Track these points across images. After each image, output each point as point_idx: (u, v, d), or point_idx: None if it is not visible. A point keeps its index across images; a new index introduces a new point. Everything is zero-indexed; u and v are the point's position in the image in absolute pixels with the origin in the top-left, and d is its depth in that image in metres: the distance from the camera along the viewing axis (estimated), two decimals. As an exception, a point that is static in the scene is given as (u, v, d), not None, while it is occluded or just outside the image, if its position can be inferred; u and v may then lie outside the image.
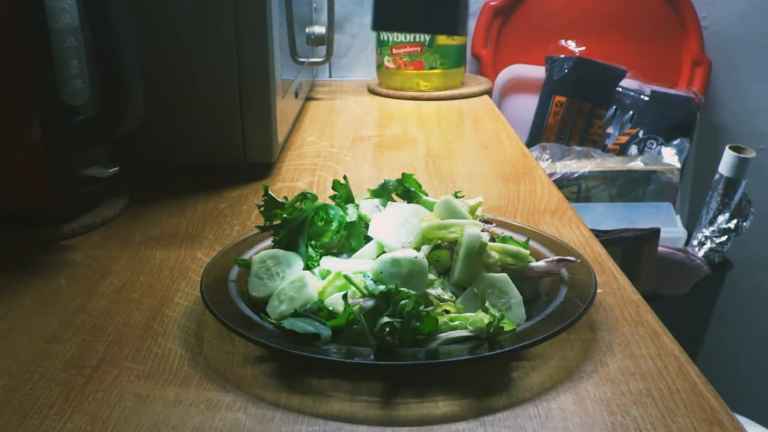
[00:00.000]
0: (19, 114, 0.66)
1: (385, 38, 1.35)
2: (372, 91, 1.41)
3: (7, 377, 0.47)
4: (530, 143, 1.56)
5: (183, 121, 0.86)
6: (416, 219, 0.56)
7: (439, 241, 0.55)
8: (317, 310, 0.49)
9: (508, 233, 0.61)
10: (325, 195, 0.63)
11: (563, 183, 1.44)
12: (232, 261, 0.57)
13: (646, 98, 1.54)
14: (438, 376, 0.46)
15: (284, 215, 0.58)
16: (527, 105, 1.60)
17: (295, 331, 0.47)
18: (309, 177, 0.89)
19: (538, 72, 1.60)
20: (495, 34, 1.63)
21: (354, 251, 0.58)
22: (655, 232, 1.30)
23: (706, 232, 1.43)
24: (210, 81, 0.84)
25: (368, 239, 0.57)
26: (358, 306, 0.48)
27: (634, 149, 1.53)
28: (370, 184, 0.68)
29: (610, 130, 1.57)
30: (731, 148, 1.40)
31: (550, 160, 1.48)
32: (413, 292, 0.48)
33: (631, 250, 1.29)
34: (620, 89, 1.56)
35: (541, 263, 0.56)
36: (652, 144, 1.53)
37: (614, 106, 1.56)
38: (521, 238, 0.60)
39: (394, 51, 1.35)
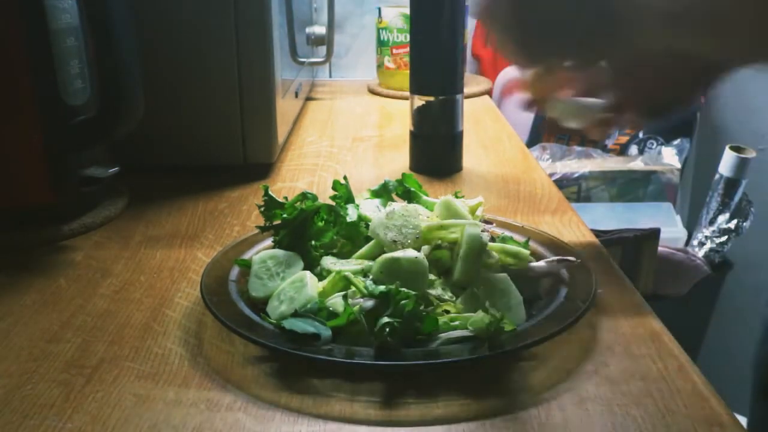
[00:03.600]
0: (19, 114, 0.66)
1: (386, 38, 1.35)
2: (372, 91, 1.41)
3: (7, 377, 0.47)
4: (530, 143, 1.57)
5: (183, 121, 0.86)
6: (417, 219, 0.56)
7: (440, 242, 0.55)
8: (317, 310, 0.49)
9: (508, 233, 0.61)
10: (325, 195, 0.63)
11: (563, 183, 1.44)
12: (233, 261, 0.57)
13: (646, 98, 1.53)
14: (438, 376, 0.46)
15: (284, 215, 0.58)
16: (527, 105, 1.60)
17: (295, 331, 0.47)
18: (309, 177, 0.89)
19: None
20: (495, 34, 1.63)
21: (354, 251, 0.58)
22: (655, 232, 1.30)
23: (706, 232, 1.43)
24: (210, 81, 0.84)
25: (368, 239, 0.57)
26: (358, 306, 0.48)
27: (634, 149, 1.53)
28: (371, 184, 0.68)
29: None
30: (731, 148, 1.41)
31: (550, 160, 1.48)
32: (413, 292, 0.48)
33: (631, 250, 1.29)
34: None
35: (541, 263, 0.56)
36: (653, 144, 1.53)
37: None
38: (521, 238, 0.60)
39: (395, 51, 1.35)
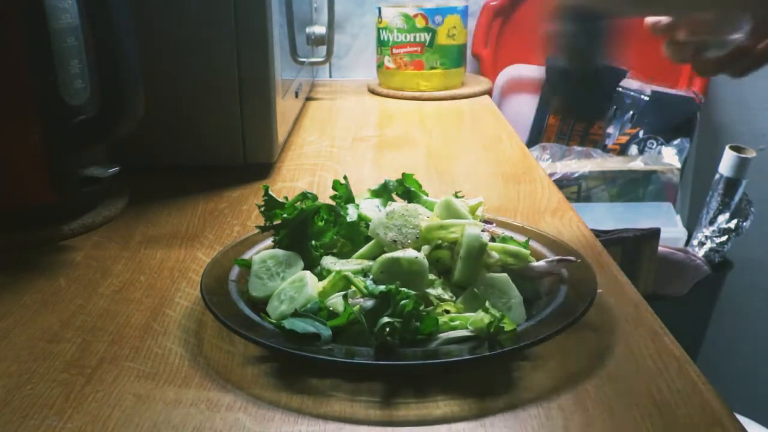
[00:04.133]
0: (19, 114, 0.66)
1: (386, 38, 1.35)
2: (372, 91, 1.41)
3: (7, 377, 0.47)
4: (530, 143, 1.56)
5: (183, 121, 0.86)
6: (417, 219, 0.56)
7: (440, 242, 0.55)
8: (317, 310, 0.49)
9: (508, 233, 0.61)
10: (325, 195, 0.63)
11: (563, 183, 1.43)
12: (233, 261, 0.57)
13: (646, 98, 1.54)
14: (438, 376, 0.46)
15: (284, 215, 0.58)
16: (527, 105, 1.60)
17: (295, 331, 0.47)
18: (309, 177, 0.89)
19: (538, 72, 1.59)
20: (495, 34, 1.63)
21: (354, 251, 0.58)
22: (655, 232, 1.30)
23: (707, 232, 1.43)
24: (210, 81, 0.84)
25: (368, 239, 0.57)
26: (358, 306, 0.48)
27: (634, 149, 1.53)
28: (371, 184, 0.68)
29: (610, 130, 1.58)
30: (731, 148, 1.40)
31: (550, 160, 1.48)
32: (413, 292, 0.48)
33: (631, 250, 1.29)
34: (620, 89, 1.56)
35: (542, 263, 0.56)
36: (653, 144, 1.53)
37: (614, 106, 1.56)
38: (521, 238, 0.60)
39: (395, 51, 1.35)
